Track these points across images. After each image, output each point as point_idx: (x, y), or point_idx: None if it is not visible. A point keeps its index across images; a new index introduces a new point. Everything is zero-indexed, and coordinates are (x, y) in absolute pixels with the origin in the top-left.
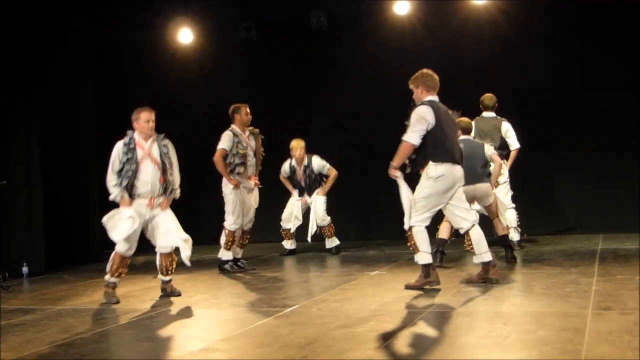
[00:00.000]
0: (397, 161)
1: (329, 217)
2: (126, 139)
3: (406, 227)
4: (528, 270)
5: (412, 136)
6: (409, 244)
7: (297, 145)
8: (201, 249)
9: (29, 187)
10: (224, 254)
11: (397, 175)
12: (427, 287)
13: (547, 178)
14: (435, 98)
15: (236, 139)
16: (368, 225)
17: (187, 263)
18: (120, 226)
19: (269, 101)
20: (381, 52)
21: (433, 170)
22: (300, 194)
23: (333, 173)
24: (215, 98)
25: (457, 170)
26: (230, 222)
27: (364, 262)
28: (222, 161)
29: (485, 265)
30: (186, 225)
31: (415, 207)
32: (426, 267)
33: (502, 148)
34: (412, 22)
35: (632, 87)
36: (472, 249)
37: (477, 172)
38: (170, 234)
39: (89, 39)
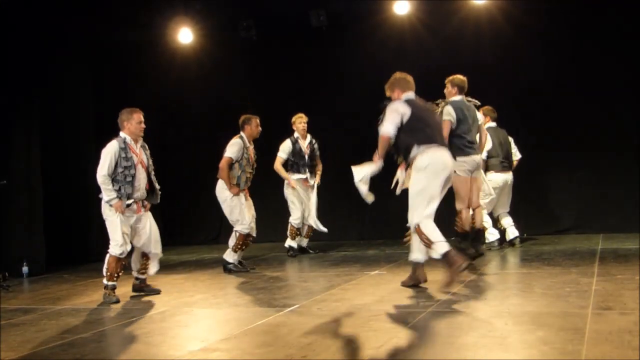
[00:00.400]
0: (380, 153)
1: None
2: (121, 142)
3: (411, 226)
4: (528, 270)
5: (388, 127)
6: (405, 239)
7: (301, 120)
8: (201, 249)
9: (29, 187)
10: (231, 256)
11: (376, 161)
12: (461, 276)
13: (547, 178)
14: (411, 96)
15: (244, 150)
16: (368, 225)
17: (151, 273)
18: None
19: (269, 101)
20: (381, 52)
21: (420, 160)
22: (302, 171)
23: (320, 164)
24: (215, 98)
25: (444, 154)
26: (244, 225)
27: (364, 262)
28: (228, 170)
29: (416, 265)
30: (186, 225)
31: (414, 203)
32: (447, 255)
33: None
34: (412, 22)
35: (632, 87)
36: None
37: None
38: (154, 243)
39: (89, 39)
